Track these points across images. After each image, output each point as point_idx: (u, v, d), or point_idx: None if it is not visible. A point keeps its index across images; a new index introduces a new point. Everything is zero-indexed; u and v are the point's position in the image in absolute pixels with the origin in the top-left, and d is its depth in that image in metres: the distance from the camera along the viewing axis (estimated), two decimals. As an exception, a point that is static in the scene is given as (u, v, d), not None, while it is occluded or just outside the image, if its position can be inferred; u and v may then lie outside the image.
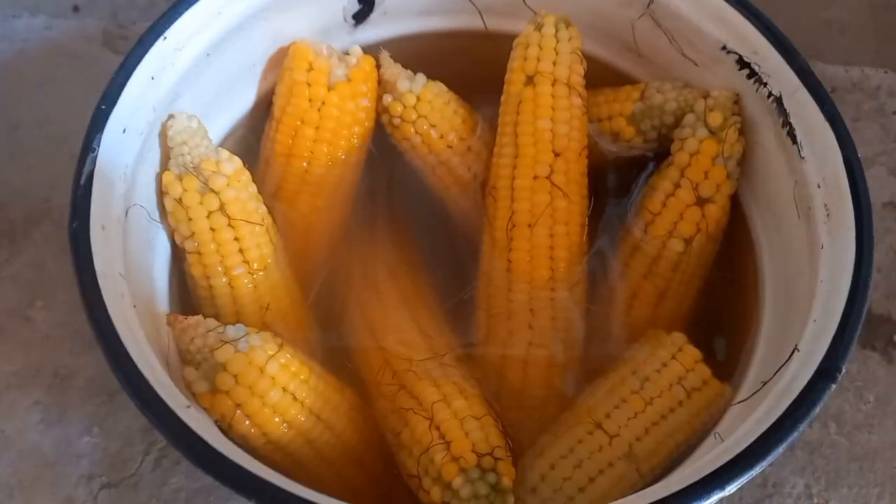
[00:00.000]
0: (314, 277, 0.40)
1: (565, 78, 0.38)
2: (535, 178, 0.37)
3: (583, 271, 0.38)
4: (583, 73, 0.39)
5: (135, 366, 0.26)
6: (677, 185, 0.38)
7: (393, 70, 0.41)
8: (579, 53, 0.39)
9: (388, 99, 0.41)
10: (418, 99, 0.40)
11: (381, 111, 0.41)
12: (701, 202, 0.38)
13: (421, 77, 0.41)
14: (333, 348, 0.38)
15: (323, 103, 0.39)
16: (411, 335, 0.37)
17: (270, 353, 0.33)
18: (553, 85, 0.38)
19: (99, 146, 0.31)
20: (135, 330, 0.28)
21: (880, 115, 0.58)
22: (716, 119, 0.38)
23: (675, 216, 0.38)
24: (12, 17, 0.63)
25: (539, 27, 0.39)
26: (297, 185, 0.40)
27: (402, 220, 0.42)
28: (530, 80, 0.38)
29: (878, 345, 0.50)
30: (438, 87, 0.41)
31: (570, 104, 0.38)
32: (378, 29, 0.43)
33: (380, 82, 0.41)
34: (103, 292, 0.27)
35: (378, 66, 0.41)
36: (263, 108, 0.42)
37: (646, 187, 0.40)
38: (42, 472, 0.45)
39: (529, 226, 0.37)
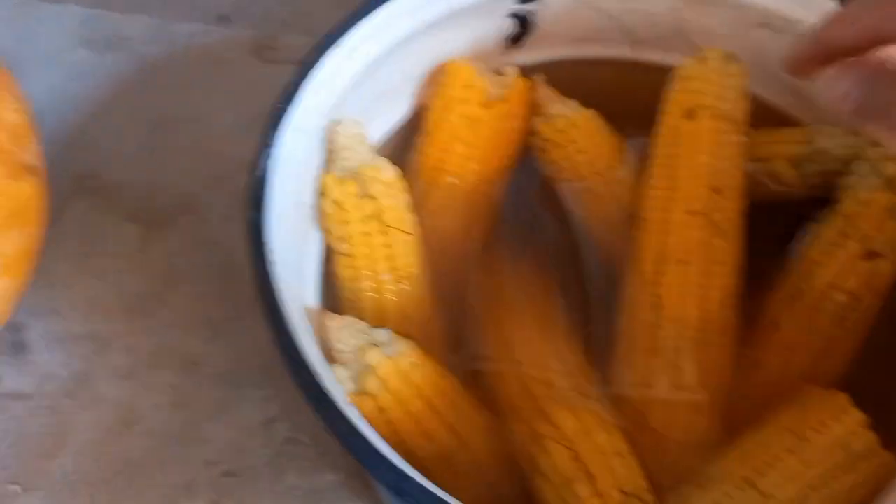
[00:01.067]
0: (451, 295, 0.40)
1: (729, 114, 0.37)
2: (691, 212, 0.37)
3: (736, 315, 0.37)
4: (748, 110, 0.38)
5: (301, 353, 0.27)
6: (844, 235, 0.36)
7: (547, 93, 0.41)
8: (745, 90, 0.38)
9: (539, 122, 0.41)
10: (570, 124, 0.40)
11: (531, 133, 0.42)
12: (870, 256, 0.36)
13: (574, 102, 0.41)
14: (468, 369, 0.38)
15: (477, 121, 0.40)
16: (549, 360, 0.37)
17: (416, 361, 0.33)
18: (716, 120, 0.37)
19: (275, 143, 0.32)
20: (302, 321, 0.29)
21: None
22: (891, 169, 0.36)
23: (839, 267, 0.36)
24: (167, 24, 0.67)
25: (704, 60, 0.38)
26: (444, 201, 0.40)
27: (541, 246, 0.42)
28: (691, 114, 0.38)
29: None
30: (591, 114, 0.41)
31: (731, 141, 0.37)
32: (531, 52, 0.43)
33: (532, 105, 0.42)
34: (278, 283, 0.28)
35: (531, 90, 0.42)
36: (414, 123, 0.43)
37: (807, 235, 0.38)
38: (166, 452, 0.47)
39: (681, 262, 0.36)
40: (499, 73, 0.42)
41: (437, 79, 0.42)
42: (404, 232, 0.37)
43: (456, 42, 0.41)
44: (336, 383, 0.29)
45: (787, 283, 0.38)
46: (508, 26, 0.42)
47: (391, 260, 0.37)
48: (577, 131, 0.41)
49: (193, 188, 0.59)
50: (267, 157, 0.31)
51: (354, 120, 0.38)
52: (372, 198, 0.36)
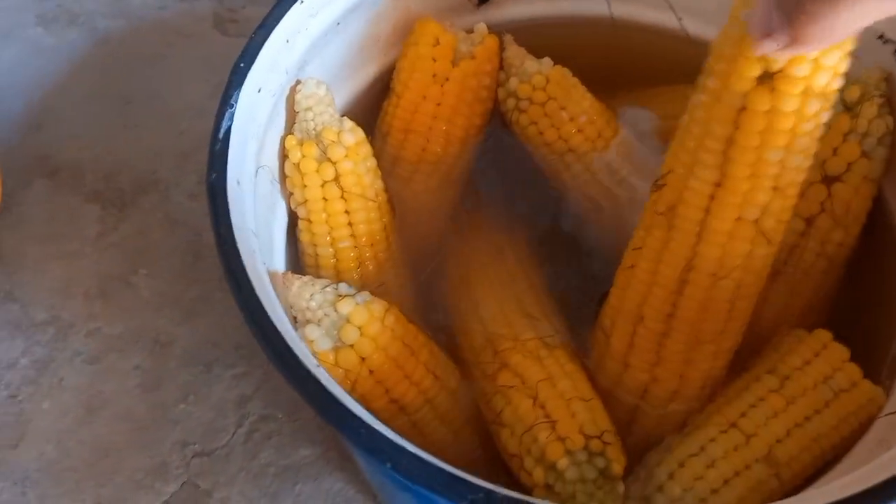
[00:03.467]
0: (425, 257, 0.40)
1: (821, 86, 0.27)
2: (739, 220, 0.29)
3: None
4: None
5: (270, 320, 0.25)
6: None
7: (518, 52, 0.40)
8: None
9: (513, 82, 0.39)
10: (548, 80, 0.39)
11: (504, 97, 0.40)
12: (828, 181, 0.34)
13: (548, 59, 0.40)
14: (438, 328, 0.37)
15: (447, 79, 0.39)
16: (515, 315, 0.36)
17: (385, 307, 0.32)
18: (804, 95, 0.27)
19: (237, 103, 0.31)
20: (267, 285, 0.28)
21: None
22: (853, 93, 0.34)
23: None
24: None
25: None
26: (414, 163, 0.39)
27: (513, 211, 0.41)
28: (766, 80, 0.27)
29: None
30: (566, 71, 0.40)
31: (816, 125, 0.28)
32: (501, 10, 0.42)
33: (502, 66, 0.40)
34: (239, 245, 0.27)
35: (501, 49, 0.40)
36: (383, 83, 0.42)
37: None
38: (137, 435, 0.45)
39: (714, 275, 0.30)
40: (469, 31, 0.40)
41: (405, 38, 0.40)
42: (365, 198, 0.36)
43: (423, 1, 0.40)
44: (304, 345, 0.28)
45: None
46: (478, -19, 0.41)
47: (352, 226, 0.36)
48: (555, 87, 0.39)
49: (157, 166, 0.58)
50: (229, 118, 0.30)
51: (318, 80, 0.36)
52: (332, 162, 0.35)
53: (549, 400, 0.31)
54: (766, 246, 0.30)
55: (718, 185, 0.29)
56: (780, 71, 0.27)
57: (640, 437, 0.34)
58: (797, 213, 0.34)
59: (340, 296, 0.32)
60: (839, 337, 0.33)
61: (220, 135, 0.29)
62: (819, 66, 0.27)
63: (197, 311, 0.52)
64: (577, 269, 0.40)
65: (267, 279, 0.29)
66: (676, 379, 0.33)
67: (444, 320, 0.38)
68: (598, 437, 0.30)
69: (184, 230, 0.55)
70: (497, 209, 0.41)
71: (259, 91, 0.32)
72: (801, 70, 0.26)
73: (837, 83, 0.28)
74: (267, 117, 0.34)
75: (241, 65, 0.32)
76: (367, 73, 0.42)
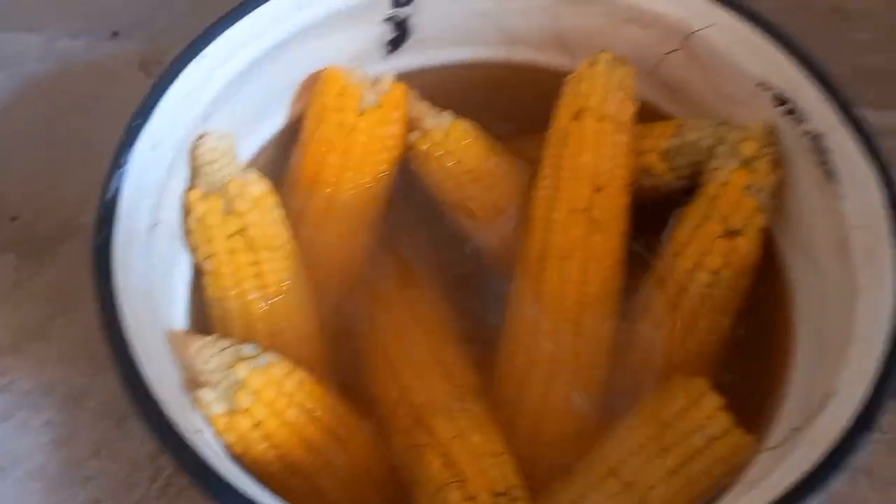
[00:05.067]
0: (336, 306, 0.40)
1: (613, 115, 0.38)
2: (573, 211, 0.37)
3: (614, 308, 0.37)
4: (633, 112, 0.39)
5: (144, 382, 0.25)
6: (706, 217, 0.37)
7: (419, 107, 0.41)
8: (630, 92, 0.39)
9: (414, 136, 0.41)
10: (445, 135, 0.40)
11: (408, 147, 0.41)
12: (729, 234, 0.37)
13: (447, 114, 0.41)
14: (350, 381, 0.37)
15: (352, 129, 0.39)
16: (430, 369, 0.36)
17: (286, 370, 0.32)
18: (600, 121, 0.38)
19: (128, 162, 0.30)
20: (151, 348, 0.28)
21: (915, 160, 0.57)
22: (749, 149, 0.37)
23: (702, 248, 0.37)
24: (54, 41, 0.64)
25: (593, 64, 0.39)
26: (322, 211, 0.40)
27: (425, 254, 0.42)
28: (577, 116, 0.38)
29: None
30: (465, 125, 0.41)
31: (615, 141, 0.38)
32: (411, 57, 0.43)
33: (409, 113, 0.41)
34: (121, 307, 0.27)
35: (408, 96, 0.41)
36: (293, 132, 0.42)
37: (674, 220, 0.39)
38: (48, 494, 0.44)
39: (562, 258, 0.36)
40: (377, 80, 0.41)
41: (312, 87, 0.41)
42: (273, 249, 0.36)
43: (332, 49, 0.41)
44: (190, 411, 0.28)
45: (657, 267, 0.39)
46: (386, 31, 0.42)
47: (259, 277, 0.36)
48: (452, 142, 0.41)
49: (77, 211, 0.57)
50: (119, 177, 0.30)
51: (221, 133, 0.36)
52: (237, 214, 0.35)
53: (460, 457, 0.32)
54: (600, 234, 0.37)
55: (556, 189, 0.38)
56: (586, 109, 0.38)
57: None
58: (706, 267, 0.37)
59: (239, 358, 0.31)
60: (728, 384, 0.35)
61: (109, 196, 0.29)
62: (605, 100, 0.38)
63: (111, 364, 0.51)
64: (489, 306, 0.40)
65: (154, 341, 0.28)
66: (549, 362, 0.36)
67: (358, 373, 0.38)
68: (506, 494, 0.31)
69: None
70: (412, 253, 0.42)
71: (154, 148, 0.32)
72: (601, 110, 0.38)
73: (626, 114, 0.38)
74: (165, 173, 0.34)
75: (135, 123, 0.31)
76: (277, 122, 0.42)
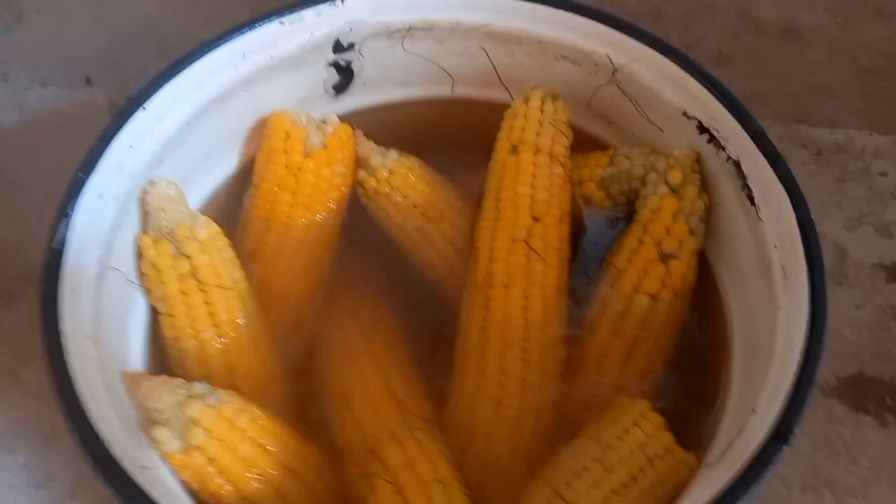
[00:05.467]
0: (292, 340, 0.41)
1: (547, 148, 0.40)
2: (513, 240, 0.38)
3: (557, 334, 0.39)
4: (567, 144, 0.41)
5: (89, 422, 0.26)
6: (641, 242, 0.39)
7: (366, 147, 0.43)
8: (564, 126, 0.41)
9: (362, 174, 0.43)
10: (391, 173, 0.42)
11: (356, 185, 0.43)
12: (665, 258, 0.38)
13: (393, 152, 0.43)
14: (306, 413, 0.39)
15: (299, 170, 0.41)
16: (382, 399, 0.37)
17: (238, 406, 0.33)
18: (535, 154, 0.40)
19: (73, 211, 0.32)
20: (97, 390, 0.29)
21: (866, 176, 0.59)
22: (676, 176, 0.39)
23: (639, 272, 0.38)
24: (25, 90, 0.66)
25: (526, 100, 0.41)
26: (275, 248, 0.41)
27: (378, 285, 0.43)
28: (514, 149, 0.40)
29: (870, 408, 0.49)
30: (410, 161, 0.43)
31: (550, 172, 0.40)
32: (357, 98, 0.45)
33: (355, 153, 0.43)
34: (67, 352, 0.28)
35: (354, 136, 0.43)
36: (245, 174, 0.44)
37: (614, 246, 0.41)
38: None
39: (505, 286, 0.38)
40: (323, 121, 0.42)
41: (261, 131, 0.42)
42: (224, 288, 0.37)
43: (278, 94, 0.42)
44: (146, 448, 0.29)
45: (599, 295, 0.40)
46: (330, 76, 0.44)
47: (213, 316, 0.37)
48: (398, 179, 0.42)
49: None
50: (65, 227, 0.31)
51: (168, 180, 0.38)
52: (187, 257, 0.36)
53: (408, 486, 0.33)
54: (541, 262, 0.38)
55: (496, 219, 0.39)
56: (522, 143, 0.40)
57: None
58: (644, 290, 0.39)
59: (191, 396, 0.32)
60: (669, 403, 0.36)
61: (54, 245, 0.30)
62: (539, 133, 0.40)
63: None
64: (439, 333, 0.41)
65: (100, 384, 0.30)
66: (498, 388, 0.37)
67: (315, 405, 0.39)
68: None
69: None
70: (365, 285, 0.43)
71: (100, 197, 0.34)
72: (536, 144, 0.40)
73: (560, 147, 0.40)
74: (112, 221, 0.35)
75: (80, 175, 0.33)
76: (228, 166, 0.43)
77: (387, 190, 0.42)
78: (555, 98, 0.41)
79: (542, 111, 0.40)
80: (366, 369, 0.39)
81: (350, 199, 0.43)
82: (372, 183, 0.42)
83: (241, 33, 0.38)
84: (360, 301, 0.42)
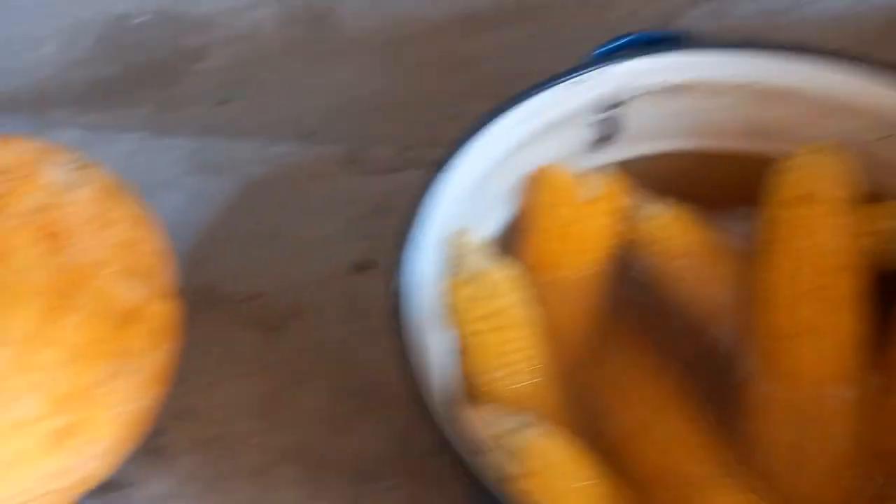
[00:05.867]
0: (568, 383, 0.42)
1: (829, 199, 0.40)
2: (802, 294, 0.39)
3: (855, 384, 0.39)
4: (849, 195, 0.42)
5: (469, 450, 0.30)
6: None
7: (635, 197, 0.45)
8: (847, 178, 0.41)
9: (632, 223, 0.45)
10: (665, 222, 0.44)
11: (626, 235, 0.45)
12: None
13: (663, 202, 0.45)
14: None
15: (574, 221, 0.44)
16: (681, 443, 0.39)
17: (565, 437, 0.36)
18: (816, 205, 0.40)
19: (405, 262, 0.37)
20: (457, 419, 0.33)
21: None
22: None
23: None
24: (271, 146, 0.74)
25: (809, 153, 0.42)
26: (548, 296, 0.43)
27: (651, 332, 0.44)
28: (796, 202, 0.41)
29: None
30: (680, 211, 0.45)
31: (834, 224, 0.40)
32: (611, 153, 0.48)
33: (624, 205, 0.45)
34: (430, 393, 0.32)
35: (620, 189, 0.46)
36: (515, 226, 0.47)
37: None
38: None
39: (792, 338, 0.38)
40: (588, 174, 0.46)
41: (532, 185, 0.46)
42: (520, 328, 0.40)
43: (545, 152, 0.46)
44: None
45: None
46: (593, 132, 0.47)
47: (506, 356, 0.40)
48: (671, 229, 0.44)
49: (304, 293, 0.64)
50: (400, 276, 0.36)
51: (468, 228, 0.42)
52: (489, 298, 0.40)
53: None
54: (833, 314, 0.38)
55: (780, 273, 0.40)
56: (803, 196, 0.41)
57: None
58: None
59: (525, 425, 0.35)
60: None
61: (396, 290, 0.35)
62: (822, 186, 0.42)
63: (352, 426, 0.54)
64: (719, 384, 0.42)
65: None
66: (799, 439, 0.37)
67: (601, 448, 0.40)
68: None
69: (331, 350, 0.60)
70: (639, 338, 0.44)
71: (421, 247, 0.38)
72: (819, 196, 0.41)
73: (843, 198, 0.41)
74: (427, 267, 0.39)
75: (410, 228, 0.38)
76: (501, 217, 0.47)
77: (660, 240, 0.44)
78: (836, 151, 0.42)
79: (824, 163, 0.41)
80: (655, 413, 0.40)
81: (617, 252, 0.45)
82: (647, 231, 0.44)
83: (530, 96, 0.42)
84: (634, 349, 0.43)
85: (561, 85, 0.43)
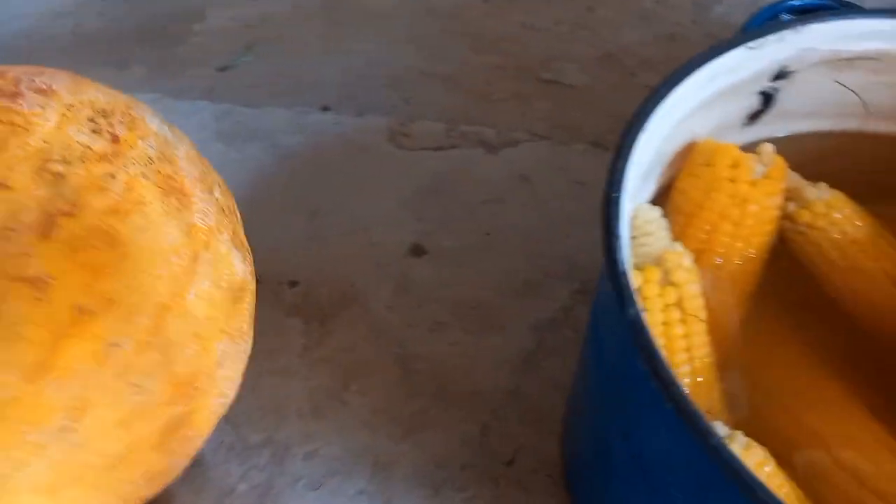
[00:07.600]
0: (722, 375, 0.39)
1: None
2: None
3: None
4: None
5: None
6: None
7: (793, 178, 0.41)
8: None
9: (792, 207, 0.41)
10: (828, 206, 0.41)
11: (784, 218, 0.42)
12: None
13: (823, 185, 0.41)
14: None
15: (744, 200, 0.39)
16: (866, 442, 0.35)
17: (764, 451, 0.32)
18: None
19: (618, 234, 0.31)
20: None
21: None
22: None
23: None
24: (305, 114, 0.67)
25: None
26: (711, 282, 0.40)
27: (806, 328, 0.41)
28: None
29: None
30: (842, 195, 0.41)
31: None
32: (764, 128, 0.44)
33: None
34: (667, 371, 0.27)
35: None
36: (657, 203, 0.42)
37: None
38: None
39: None
40: (759, 151, 0.41)
41: (690, 158, 0.41)
42: (700, 320, 0.35)
43: (704, 122, 0.41)
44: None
45: None
46: (752, 104, 0.43)
47: (689, 351, 0.35)
48: (834, 213, 0.41)
49: (353, 279, 0.57)
50: (620, 249, 0.30)
51: (650, 205, 0.37)
52: (675, 285, 0.35)
53: None
54: None
55: None
56: None
57: None
58: None
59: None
60: None
61: (620, 269, 0.29)
62: None
63: (416, 427, 0.50)
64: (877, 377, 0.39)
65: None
66: None
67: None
68: None
69: (387, 343, 0.55)
70: (797, 326, 0.41)
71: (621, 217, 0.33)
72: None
73: None
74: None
75: (614, 195, 0.32)
76: (646, 192, 0.42)
77: (822, 224, 0.41)
78: None
79: None
80: (830, 408, 0.37)
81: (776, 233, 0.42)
82: (806, 217, 0.41)
83: (710, 59, 0.37)
84: (793, 338, 0.40)
85: (741, 48, 0.38)
